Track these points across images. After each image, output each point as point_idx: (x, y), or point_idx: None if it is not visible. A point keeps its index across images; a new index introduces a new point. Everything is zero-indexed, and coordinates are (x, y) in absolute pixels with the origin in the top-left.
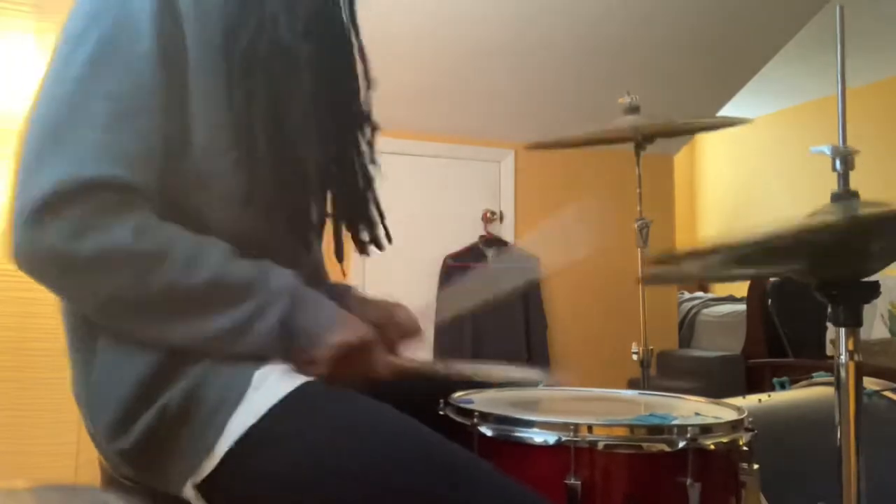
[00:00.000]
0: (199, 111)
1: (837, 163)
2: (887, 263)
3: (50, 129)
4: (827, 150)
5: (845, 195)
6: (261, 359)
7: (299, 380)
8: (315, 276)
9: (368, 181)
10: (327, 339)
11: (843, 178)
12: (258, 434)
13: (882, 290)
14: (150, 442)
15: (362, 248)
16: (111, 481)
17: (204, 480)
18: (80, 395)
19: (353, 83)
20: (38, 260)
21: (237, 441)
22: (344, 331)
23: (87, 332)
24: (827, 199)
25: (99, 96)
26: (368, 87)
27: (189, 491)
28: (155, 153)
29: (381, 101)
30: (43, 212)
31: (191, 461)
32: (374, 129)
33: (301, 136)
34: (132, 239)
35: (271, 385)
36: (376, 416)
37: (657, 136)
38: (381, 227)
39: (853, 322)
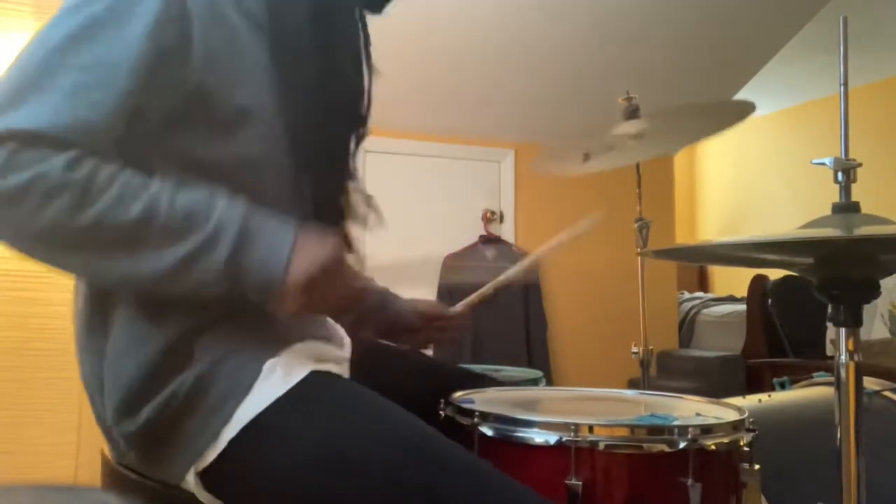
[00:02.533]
0: (236, 101)
1: (839, 175)
2: (893, 272)
3: (13, 88)
4: (829, 162)
5: (847, 207)
6: (270, 341)
7: (306, 371)
8: None
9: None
10: (283, 274)
11: (845, 190)
12: (263, 423)
13: (882, 290)
14: (157, 426)
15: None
16: (111, 480)
17: (206, 468)
18: (89, 379)
19: (360, 84)
20: None
21: (242, 430)
22: (302, 260)
23: (101, 317)
24: (826, 200)
25: (69, 67)
26: (370, 89)
27: (191, 478)
28: (112, 128)
29: (382, 102)
30: None
31: (195, 448)
32: (366, 132)
33: (325, 136)
34: (62, 170)
35: (280, 376)
36: (380, 411)
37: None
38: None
39: (853, 322)
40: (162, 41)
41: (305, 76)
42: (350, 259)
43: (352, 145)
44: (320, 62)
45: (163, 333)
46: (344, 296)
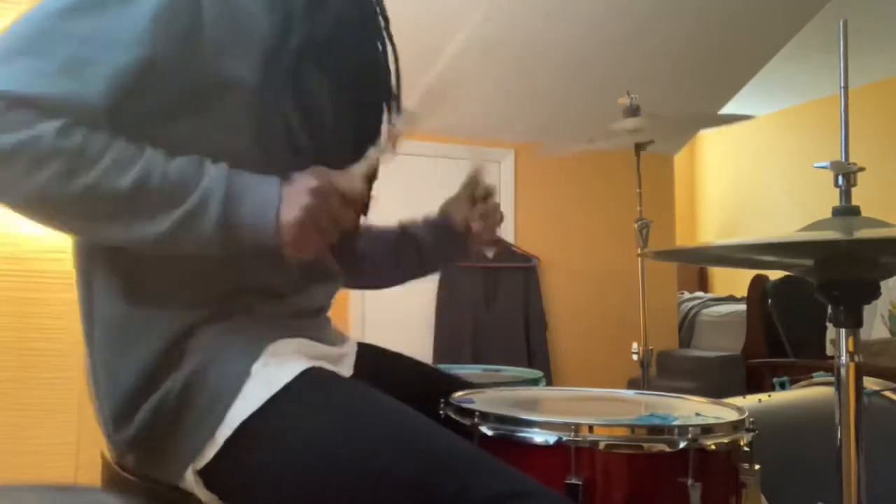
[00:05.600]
0: (223, 81)
1: (839, 179)
2: (893, 274)
3: (7, 45)
4: (829, 166)
5: (847, 210)
6: (260, 340)
7: (298, 368)
8: (315, 268)
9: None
10: (275, 225)
11: (846, 193)
12: (258, 423)
13: (882, 290)
14: (152, 430)
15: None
16: (111, 480)
17: (205, 467)
18: (89, 384)
19: (381, 58)
20: None
21: (237, 429)
22: (289, 208)
23: (88, 323)
24: (827, 197)
25: (67, 37)
26: (398, 75)
27: (190, 476)
28: (103, 104)
29: None
30: None
31: (192, 447)
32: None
33: (329, 126)
34: (54, 137)
35: (270, 375)
36: (374, 405)
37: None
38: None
39: (853, 323)
40: (170, 24)
41: (320, 53)
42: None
43: (383, 121)
44: (334, 37)
45: (152, 338)
46: (342, 221)
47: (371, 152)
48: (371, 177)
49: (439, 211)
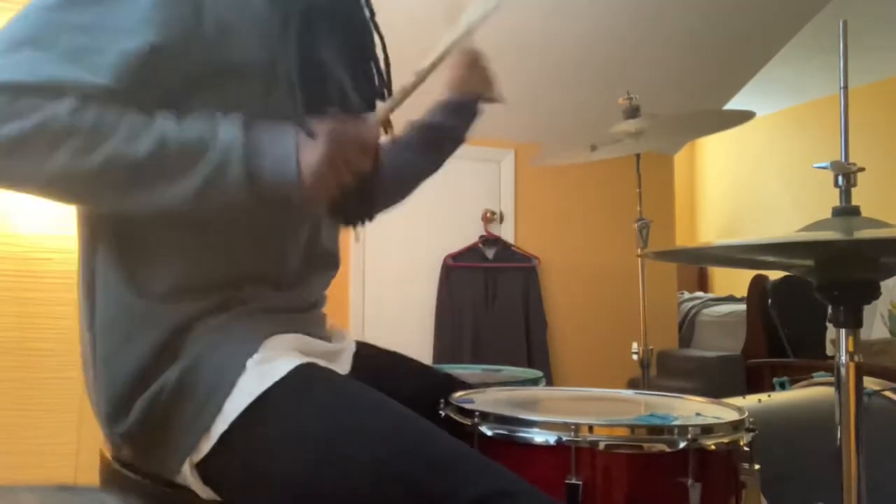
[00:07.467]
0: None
1: (839, 179)
2: (893, 274)
3: (11, 37)
4: (829, 166)
5: (847, 211)
6: (256, 335)
7: (293, 363)
8: (315, 255)
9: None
10: (297, 173)
11: (846, 193)
12: (254, 416)
13: (882, 290)
14: (148, 423)
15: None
16: (110, 480)
17: (201, 461)
18: (86, 379)
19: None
20: None
21: (233, 422)
22: (308, 155)
23: (89, 318)
24: (826, 198)
25: (70, 27)
26: (387, 63)
27: (187, 470)
28: (110, 89)
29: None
30: None
31: (188, 441)
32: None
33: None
34: (68, 115)
35: (266, 368)
36: (368, 402)
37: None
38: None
39: (853, 323)
40: (171, 9)
41: (318, 38)
42: (356, 124)
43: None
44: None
45: (150, 333)
46: (362, 159)
47: (380, 105)
48: (385, 124)
49: (445, 96)
